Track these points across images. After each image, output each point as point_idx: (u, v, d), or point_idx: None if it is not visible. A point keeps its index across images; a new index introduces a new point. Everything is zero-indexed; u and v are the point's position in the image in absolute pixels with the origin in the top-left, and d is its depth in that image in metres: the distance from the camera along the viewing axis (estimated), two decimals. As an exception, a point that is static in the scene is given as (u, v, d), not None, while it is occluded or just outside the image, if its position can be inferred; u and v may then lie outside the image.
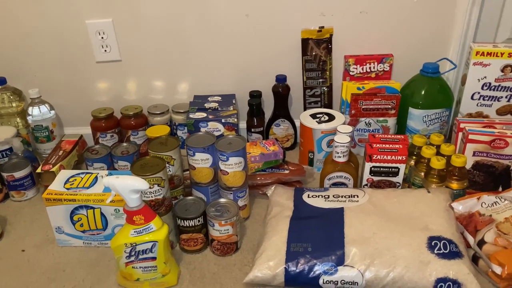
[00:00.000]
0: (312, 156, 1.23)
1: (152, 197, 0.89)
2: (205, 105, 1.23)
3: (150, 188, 0.87)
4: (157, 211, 0.90)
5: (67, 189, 0.94)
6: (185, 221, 0.92)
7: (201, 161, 0.97)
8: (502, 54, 1.12)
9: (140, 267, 0.84)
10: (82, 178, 0.98)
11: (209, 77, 1.31)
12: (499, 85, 1.16)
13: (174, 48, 1.26)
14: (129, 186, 0.77)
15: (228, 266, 0.93)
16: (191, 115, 1.17)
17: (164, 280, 0.86)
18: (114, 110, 1.28)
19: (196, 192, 1.03)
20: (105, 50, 1.25)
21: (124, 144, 1.16)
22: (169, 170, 0.97)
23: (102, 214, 0.94)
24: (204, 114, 1.17)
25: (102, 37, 1.23)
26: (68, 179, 0.98)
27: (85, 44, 1.25)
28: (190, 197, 0.98)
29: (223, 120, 1.15)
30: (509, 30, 1.30)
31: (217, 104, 1.23)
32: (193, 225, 0.92)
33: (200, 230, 0.94)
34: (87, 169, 1.16)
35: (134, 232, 0.81)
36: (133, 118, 1.26)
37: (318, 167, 1.21)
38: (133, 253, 0.82)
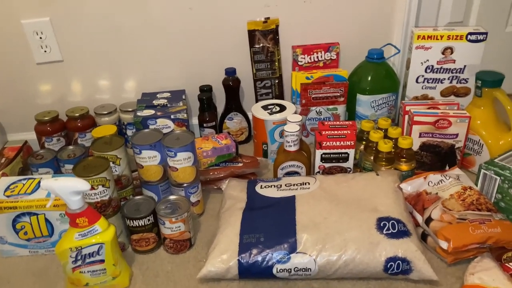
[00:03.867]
0: (266, 148, 1.23)
1: (97, 198, 0.86)
2: (154, 102, 1.20)
3: (94, 188, 0.84)
4: (104, 212, 0.87)
5: (7, 196, 0.90)
6: (134, 221, 0.89)
7: (149, 158, 0.94)
8: (441, 37, 1.15)
9: (88, 271, 0.81)
10: (23, 184, 0.93)
11: (156, 73, 1.29)
12: (441, 67, 1.19)
13: (117, 45, 1.23)
14: (69, 187, 0.74)
15: (182, 263, 0.91)
16: (138, 113, 1.14)
17: (115, 282, 0.84)
18: (59, 113, 1.23)
19: (146, 191, 1.00)
20: (45, 51, 1.20)
21: (71, 147, 1.12)
22: (115, 170, 0.94)
23: (46, 220, 0.90)
24: (153, 111, 1.14)
25: (41, 37, 1.18)
26: (9, 186, 0.93)
27: (23, 45, 1.19)
28: (139, 197, 0.96)
29: (172, 116, 1.12)
30: (449, 14, 1.34)
31: (166, 101, 1.20)
32: (143, 224, 0.90)
33: (151, 229, 0.91)
34: (32, 175, 1.11)
35: (79, 235, 0.78)
36: (79, 119, 1.22)
37: (272, 158, 1.20)
38: (79, 257, 0.79)
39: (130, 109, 1.22)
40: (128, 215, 0.90)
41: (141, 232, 0.91)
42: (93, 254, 0.80)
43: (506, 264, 0.79)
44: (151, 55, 1.25)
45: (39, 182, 0.94)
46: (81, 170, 0.85)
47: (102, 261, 0.80)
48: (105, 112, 1.24)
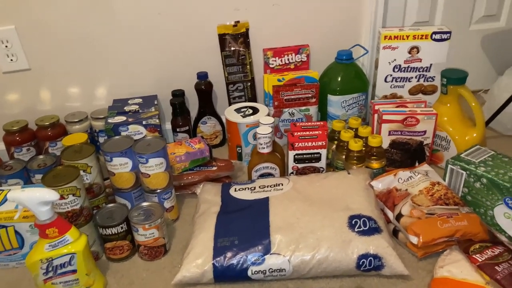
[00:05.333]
0: (240, 151, 1.23)
1: (68, 208, 0.85)
2: (125, 108, 1.19)
3: (64, 198, 0.83)
4: (75, 222, 0.86)
5: (-25, 209, 0.88)
6: (107, 229, 0.88)
7: (120, 165, 0.94)
8: (407, 36, 1.18)
9: (60, 282, 0.80)
10: (-9, 197, 0.91)
11: (128, 79, 1.28)
12: (408, 66, 1.22)
13: (86, 52, 1.21)
14: (37, 198, 0.73)
15: (157, 270, 0.90)
16: (109, 120, 1.13)
17: (88, 292, 0.83)
18: (28, 122, 1.20)
19: (119, 198, 0.99)
20: (11, 59, 1.18)
21: (41, 156, 1.10)
22: (86, 178, 0.93)
23: (16, 232, 0.88)
24: (124, 118, 1.13)
25: (6, 46, 1.16)
26: (-24, 199, 0.91)
27: (-12, 55, 1.17)
28: (111, 205, 0.95)
29: (144, 122, 1.12)
30: (415, 14, 1.38)
31: (137, 107, 1.20)
32: (116, 232, 0.89)
33: (125, 237, 0.91)
34: (1, 186, 1.09)
35: (49, 246, 0.77)
36: (49, 128, 1.20)
37: (247, 161, 1.21)
38: (50, 269, 0.78)
39: (102, 116, 1.21)
40: (100, 223, 0.89)
41: (114, 240, 0.90)
42: (64, 265, 0.78)
43: (473, 256, 0.81)
44: (121, 61, 1.25)
45: (7, 194, 0.92)
46: (50, 180, 0.84)
47: (75, 271, 0.79)
48: (76, 120, 1.22)
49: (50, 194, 0.74)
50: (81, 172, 0.91)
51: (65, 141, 1.06)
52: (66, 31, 1.18)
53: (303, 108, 1.27)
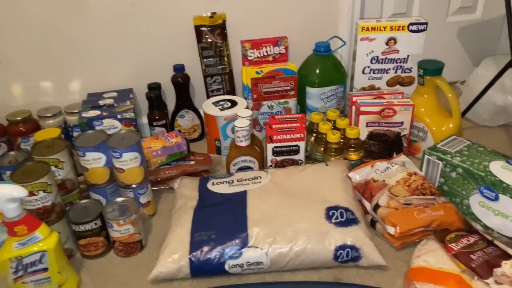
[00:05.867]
0: (219, 144, 1.22)
1: (39, 204, 0.82)
2: (100, 102, 1.16)
3: (34, 194, 0.81)
4: (47, 219, 0.84)
5: None
6: (80, 225, 0.86)
7: (93, 160, 0.91)
8: (384, 28, 1.18)
9: (31, 281, 0.77)
10: (-41, 195, 0.88)
11: (102, 73, 1.25)
12: (386, 58, 1.22)
13: (58, 45, 1.18)
14: (3, 195, 0.70)
15: (133, 266, 0.89)
16: (83, 114, 1.10)
17: (61, 291, 0.81)
18: (-1, 118, 1.17)
19: (93, 194, 0.97)
20: (-20, 53, 1.14)
21: (12, 152, 1.06)
22: (59, 174, 0.90)
23: (-15, 230, 0.85)
24: (98, 112, 1.11)
25: (-26, 39, 1.12)
26: None
27: (-45, 48, 1.13)
28: (84, 201, 0.92)
29: (119, 116, 1.09)
30: (392, 6, 1.38)
31: (112, 101, 1.17)
32: (90, 229, 0.87)
33: (99, 233, 0.89)
34: (-29, 184, 1.05)
35: (18, 244, 0.74)
36: (21, 123, 1.16)
37: (226, 154, 1.19)
38: (20, 267, 0.76)
39: (76, 111, 1.18)
40: (73, 219, 0.87)
41: (88, 236, 0.88)
42: (35, 263, 0.76)
43: (449, 245, 0.82)
44: (95, 55, 1.21)
45: (-24, 191, 0.88)
46: (19, 176, 0.81)
47: (46, 269, 0.77)
48: (49, 115, 1.19)
49: (18, 191, 0.71)
50: (53, 168, 0.88)
51: (37, 136, 1.03)
52: (37, 23, 1.14)
53: (282, 100, 1.26)
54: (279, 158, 1.09)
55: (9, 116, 1.17)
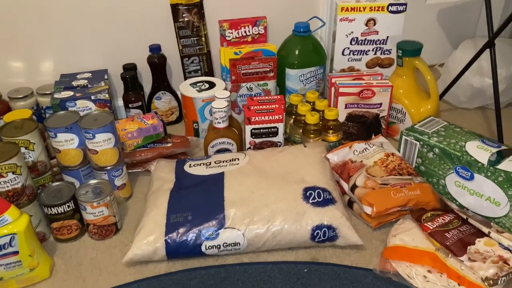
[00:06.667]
0: (197, 127, 1.20)
1: (8, 186, 0.80)
2: (73, 83, 1.13)
3: (3, 176, 0.78)
4: (17, 201, 0.81)
5: None
6: (52, 208, 0.84)
7: (65, 142, 0.89)
8: (364, 8, 1.17)
9: (1, 265, 0.75)
10: None
11: (76, 53, 1.21)
12: (365, 39, 1.21)
13: (28, 24, 1.13)
14: (-31, 176, 0.67)
15: (108, 249, 0.87)
16: (56, 95, 1.07)
17: (33, 274, 0.79)
18: (-33, 99, 1.12)
19: (67, 177, 0.95)
20: None
21: (-19, 135, 1.03)
22: (29, 156, 0.87)
23: (-48, 214, 0.82)
24: (72, 93, 1.07)
25: None
26: None
27: None
28: (57, 183, 0.90)
29: (92, 97, 1.06)
30: (372, -13, 1.36)
31: (86, 81, 1.14)
32: (63, 211, 0.85)
33: (73, 216, 0.87)
34: None
35: (-14, 227, 0.72)
36: (-9, 105, 1.12)
37: (204, 137, 1.18)
38: (-11, 251, 0.73)
39: (48, 92, 1.14)
40: (45, 202, 0.85)
41: (61, 219, 0.86)
42: (4, 246, 0.74)
43: (425, 224, 0.83)
44: (68, 34, 1.17)
45: None
46: (-14, 158, 0.78)
47: (16, 252, 0.75)
48: (20, 96, 1.14)
49: (-16, 172, 0.69)
50: (23, 149, 0.86)
51: (6, 117, 0.99)
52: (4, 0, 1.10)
53: (261, 82, 1.24)
54: (257, 140, 1.07)
55: (-22, 97, 1.13)
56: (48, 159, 0.94)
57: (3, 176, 0.78)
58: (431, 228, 0.81)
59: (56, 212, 0.85)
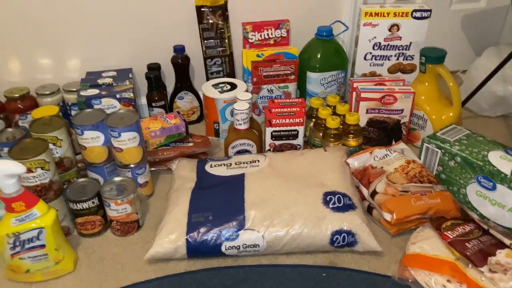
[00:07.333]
0: (217, 127, 1.21)
1: (36, 181, 0.82)
2: (98, 81, 1.15)
3: (32, 171, 0.80)
4: (44, 196, 0.84)
5: None
6: (77, 204, 0.86)
7: (91, 139, 0.91)
8: (388, 14, 1.17)
9: (28, 257, 0.78)
10: (-44, 170, 0.88)
11: (102, 52, 1.23)
12: (388, 44, 1.21)
13: (57, 23, 1.16)
14: (2, 171, 0.70)
15: (129, 245, 0.89)
16: (82, 93, 1.09)
17: (58, 268, 0.81)
18: (-4, 94, 1.16)
19: (91, 173, 0.97)
20: (-23, 28, 1.12)
21: (10, 129, 1.06)
22: (56, 152, 0.90)
23: (-18, 206, 0.85)
24: (97, 91, 1.10)
25: (-29, 13, 1.10)
26: None
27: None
28: (82, 179, 0.92)
29: (118, 96, 1.09)
30: (397, -8, 1.36)
31: (111, 80, 1.16)
32: (88, 207, 0.87)
33: (96, 212, 0.89)
34: (-32, 160, 1.05)
35: (16, 220, 0.74)
36: (19, 101, 1.15)
37: (224, 137, 1.19)
38: (17, 243, 0.76)
39: (74, 89, 1.17)
40: (71, 198, 0.87)
41: (85, 215, 0.88)
42: (32, 239, 0.76)
43: (445, 233, 0.82)
44: (95, 33, 1.20)
45: (-27, 167, 0.88)
46: (17, 153, 0.81)
47: (43, 246, 0.77)
48: (47, 93, 1.18)
49: (16, 167, 0.71)
50: (51, 146, 0.88)
51: (35, 113, 1.02)
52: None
53: (282, 85, 1.25)
54: (277, 143, 1.08)
55: (7, 92, 1.16)
56: (74, 155, 0.97)
57: (32, 171, 0.81)
58: (451, 237, 0.81)
59: (81, 208, 0.87)
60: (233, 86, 1.20)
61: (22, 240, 0.76)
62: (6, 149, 1.02)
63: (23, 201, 0.74)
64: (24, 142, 0.85)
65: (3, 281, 0.82)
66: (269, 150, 1.09)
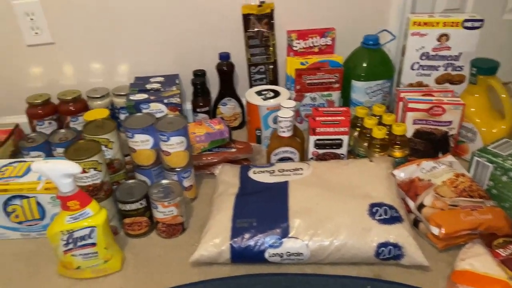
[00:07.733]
0: (259, 134, 1.22)
1: (89, 182, 0.85)
2: (147, 86, 1.19)
3: (86, 172, 0.83)
4: (96, 196, 0.87)
5: (-2, 179, 0.89)
6: (126, 205, 0.89)
7: (141, 142, 0.94)
8: (437, 23, 1.15)
9: (79, 255, 0.81)
10: (14, 167, 0.93)
11: (150, 57, 1.27)
12: (436, 54, 1.18)
13: (110, 29, 1.21)
14: (60, 170, 0.73)
15: (174, 247, 0.91)
16: (131, 97, 1.13)
17: (106, 266, 0.84)
18: (50, 96, 1.21)
19: (139, 175, 1.00)
20: (36, 33, 1.18)
21: (62, 130, 1.11)
22: (108, 153, 0.93)
23: (38, 203, 0.89)
24: (146, 96, 1.13)
25: (32, 19, 1.16)
26: (0, 168, 0.92)
27: (13, 27, 1.17)
28: (131, 181, 0.95)
29: (165, 101, 1.11)
30: (445, 1, 1.33)
31: (159, 85, 1.19)
32: (136, 208, 0.89)
33: (144, 213, 0.91)
34: (23, 158, 1.10)
35: (70, 218, 0.77)
36: (71, 103, 1.20)
37: (266, 144, 1.20)
38: (70, 241, 0.79)
39: (123, 93, 1.21)
40: (120, 198, 0.90)
41: (133, 216, 0.90)
42: (84, 238, 0.79)
43: (496, 250, 0.80)
44: (144, 39, 1.24)
45: (30, 165, 0.93)
46: (72, 153, 0.84)
47: (94, 244, 0.80)
48: (98, 96, 1.22)
49: (73, 167, 0.74)
50: (103, 147, 0.91)
51: (86, 116, 1.06)
52: (91, 6, 1.17)
53: (326, 93, 1.25)
54: (320, 151, 1.08)
55: (60, 95, 1.21)
56: (123, 157, 1.00)
57: (85, 172, 0.84)
58: (504, 255, 0.78)
59: (129, 209, 0.89)
60: (276, 94, 1.20)
61: (75, 237, 0.79)
62: (58, 149, 1.07)
63: (77, 200, 0.77)
64: (79, 143, 0.88)
65: (55, 276, 0.85)
66: (312, 158, 1.09)
